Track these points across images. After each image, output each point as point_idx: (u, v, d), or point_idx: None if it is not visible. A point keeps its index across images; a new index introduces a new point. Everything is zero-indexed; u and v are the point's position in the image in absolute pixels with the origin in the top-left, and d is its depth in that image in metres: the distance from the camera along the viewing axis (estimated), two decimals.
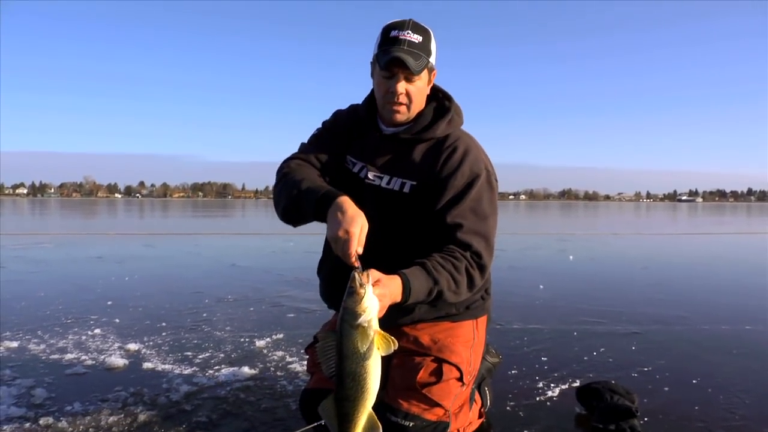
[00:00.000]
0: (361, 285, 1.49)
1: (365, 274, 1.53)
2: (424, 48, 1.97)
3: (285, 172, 2.05)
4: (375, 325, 1.49)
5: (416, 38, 1.95)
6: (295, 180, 1.96)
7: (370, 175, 2.06)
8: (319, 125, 2.26)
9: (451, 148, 2.03)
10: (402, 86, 1.97)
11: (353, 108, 2.25)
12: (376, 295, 1.53)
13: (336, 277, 2.06)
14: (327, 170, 2.11)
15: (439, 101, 2.14)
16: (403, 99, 1.99)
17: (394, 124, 2.07)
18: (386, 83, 1.98)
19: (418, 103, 2.05)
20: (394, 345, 1.50)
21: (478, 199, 1.98)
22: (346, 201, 1.77)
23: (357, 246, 1.66)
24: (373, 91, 2.12)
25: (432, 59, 2.01)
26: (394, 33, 1.95)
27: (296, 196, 1.91)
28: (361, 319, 1.46)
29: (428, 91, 2.10)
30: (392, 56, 1.91)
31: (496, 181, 2.10)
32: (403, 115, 2.03)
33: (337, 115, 2.26)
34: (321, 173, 2.08)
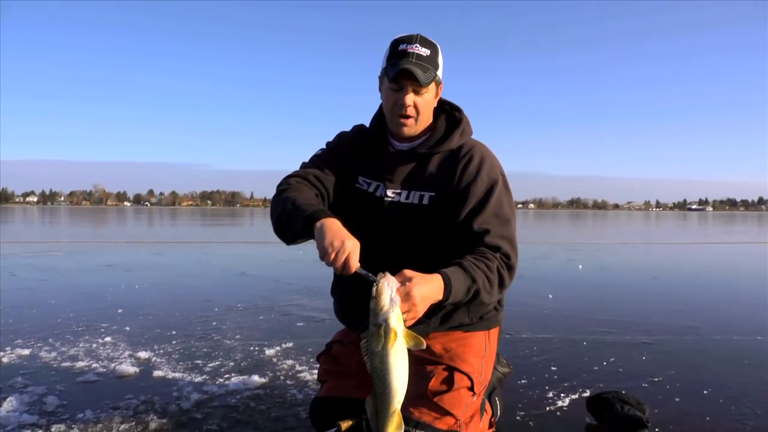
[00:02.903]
0: (379, 286, 1.55)
1: (385, 275, 1.59)
2: (432, 61, 1.99)
3: (282, 188, 2.06)
4: (393, 323, 1.54)
5: (424, 52, 1.98)
6: (289, 197, 1.97)
7: (389, 193, 2.06)
8: (323, 146, 2.26)
9: (468, 157, 2.05)
10: (410, 98, 1.99)
11: (358, 129, 2.26)
12: (400, 294, 1.58)
13: (350, 296, 2.07)
14: (328, 191, 2.11)
15: (448, 113, 2.16)
16: (411, 111, 2.01)
17: (403, 137, 2.09)
18: (395, 95, 2.01)
19: (426, 116, 2.07)
20: (418, 341, 1.57)
21: (499, 204, 2.01)
22: (328, 223, 1.76)
23: (347, 260, 1.68)
24: (380, 109, 2.14)
25: (439, 73, 2.04)
26: (402, 47, 1.98)
27: (288, 212, 1.92)
28: (379, 318, 1.54)
29: (435, 105, 2.12)
30: (401, 68, 1.93)
31: (509, 185, 2.13)
32: (410, 127, 2.05)
33: (341, 136, 2.26)
34: (320, 193, 2.09)
